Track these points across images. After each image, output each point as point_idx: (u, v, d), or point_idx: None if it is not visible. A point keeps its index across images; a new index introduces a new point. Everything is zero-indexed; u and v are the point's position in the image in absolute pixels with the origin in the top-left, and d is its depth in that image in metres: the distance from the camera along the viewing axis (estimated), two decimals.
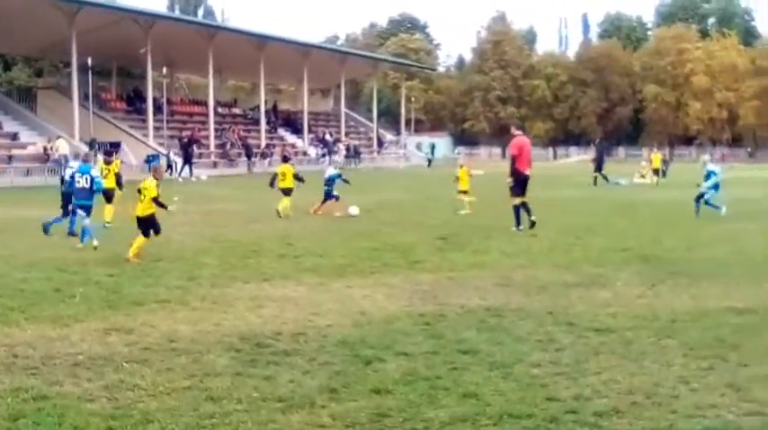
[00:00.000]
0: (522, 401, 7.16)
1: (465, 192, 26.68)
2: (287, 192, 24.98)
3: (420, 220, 23.49)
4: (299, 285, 13.05)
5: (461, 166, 28.21)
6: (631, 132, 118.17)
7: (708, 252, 16.80)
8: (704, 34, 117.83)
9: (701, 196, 24.98)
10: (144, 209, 16.38)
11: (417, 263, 15.37)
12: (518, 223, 20.26)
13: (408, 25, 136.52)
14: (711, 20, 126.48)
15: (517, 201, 20.44)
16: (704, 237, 19.25)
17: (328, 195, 26.50)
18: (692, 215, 24.33)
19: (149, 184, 16.39)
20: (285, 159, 27.87)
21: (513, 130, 21.54)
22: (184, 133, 63.98)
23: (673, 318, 10.35)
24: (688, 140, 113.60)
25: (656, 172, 47.87)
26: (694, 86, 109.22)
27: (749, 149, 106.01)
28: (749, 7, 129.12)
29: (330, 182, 26.69)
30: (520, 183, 20.48)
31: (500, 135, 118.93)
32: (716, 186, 25.10)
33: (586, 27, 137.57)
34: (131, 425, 6.69)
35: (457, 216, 24.35)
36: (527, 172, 20.56)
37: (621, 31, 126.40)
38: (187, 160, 55.53)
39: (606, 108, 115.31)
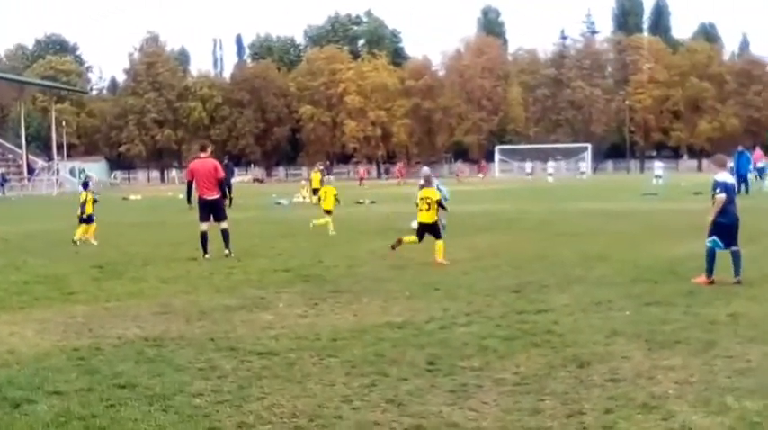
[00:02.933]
0: None
1: None
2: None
3: (75, 249, 22.51)
4: None
5: None
6: (290, 152, 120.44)
7: (367, 268, 17.10)
8: (355, 55, 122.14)
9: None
10: (431, 216, 18.02)
11: (71, 294, 14.57)
12: (204, 251, 19.36)
13: (57, 47, 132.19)
14: (362, 41, 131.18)
15: (203, 227, 19.64)
16: (363, 254, 19.61)
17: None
18: (350, 232, 24.88)
19: (433, 191, 18.42)
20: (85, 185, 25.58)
21: (195, 153, 20.72)
22: None
23: (335, 337, 10.36)
24: (345, 158, 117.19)
25: (315, 191, 48.60)
26: (348, 106, 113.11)
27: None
28: (397, 29, 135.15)
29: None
30: (203, 209, 19.58)
31: (158, 158, 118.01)
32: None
33: (241, 48, 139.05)
34: None
35: (114, 244, 23.44)
36: (207, 197, 19.50)
37: (274, 53, 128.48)
38: None
39: (264, 128, 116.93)
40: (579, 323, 10.92)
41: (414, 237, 18.51)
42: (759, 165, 51.76)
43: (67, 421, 7.28)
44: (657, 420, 6.97)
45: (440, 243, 17.79)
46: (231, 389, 8.17)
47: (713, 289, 13.32)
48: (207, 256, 19.22)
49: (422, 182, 19.62)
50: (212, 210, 19.65)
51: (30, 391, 8.23)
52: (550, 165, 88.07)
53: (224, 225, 19.65)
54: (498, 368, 8.73)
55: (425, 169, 22.16)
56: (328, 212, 25.64)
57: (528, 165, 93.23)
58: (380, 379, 8.40)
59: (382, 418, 7.17)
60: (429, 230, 18.14)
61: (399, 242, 18.58)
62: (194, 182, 19.70)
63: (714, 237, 14.02)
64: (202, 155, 20.44)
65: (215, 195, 19.64)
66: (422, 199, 18.26)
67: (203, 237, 19.59)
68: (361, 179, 78.43)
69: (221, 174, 20.00)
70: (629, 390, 7.82)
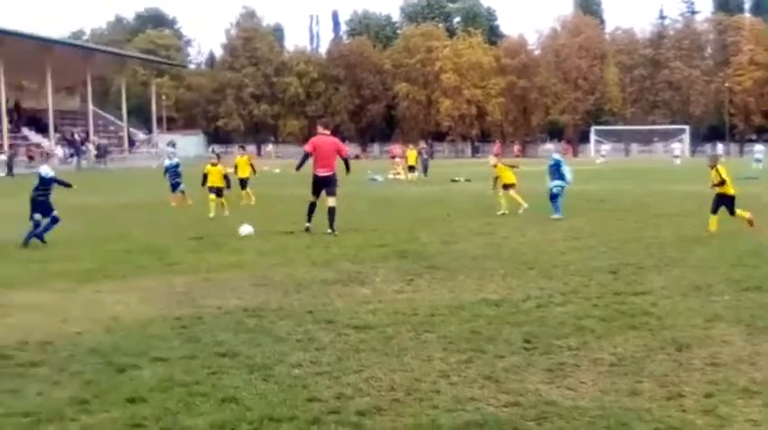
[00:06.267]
0: (284, 404, 6.95)
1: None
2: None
3: (174, 221, 22.95)
4: (46, 291, 12.37)
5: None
6: (385, 129, 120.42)
7: (463, 246, 17.11)
8: (451, 33, 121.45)
9: (554, 195, 22.87)
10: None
11: (172, 264, 14.91)
12: (308, 219, 19.67)
13: (157, 21, 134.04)
14: (457, 19, 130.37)
15: (313, 198, 19.87)
16: (459, 232, 19.63)
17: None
18: (445, 210, 24.94)
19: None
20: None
21: (319, 128, 20.62)
22: None
23: (431, 313, 10.41)
24: (440, 136, 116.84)
25: (410, 168, 48.84)
26: (444, 84, 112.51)
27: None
28: (492, 7, 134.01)
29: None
30: (316, 184, 19.79)
31: (255, 133, 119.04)
32: (562, 177, 23.12)
33: (337, 25, 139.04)
34: None
35: (225, 217, 23.85)
36: (321, 173, 19.63)
37: (370, 29, 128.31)
38: None
39: (359, 105, 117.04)
40: (678, 306, 10.79)
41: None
42: None
43: (171, 386, 7.45)
44: (759, 406, 6.87)
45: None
46: (329, 361, 8.26)
47: None
48: (308, 225, 19.58)
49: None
50: (325, 185, 19.76)
51: (134, 357, 8.44)
52: (676, 146, 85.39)
53: (331, 202, 19.65)
54: (595, 348, 8.68)
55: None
56: None
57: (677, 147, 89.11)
58: (477, 355, 8.42)
59: (479, 394, 7.19)
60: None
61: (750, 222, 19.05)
62: (313, 156, 19.79)
63: None
64: (326, 131, 20.46)
65: (329, 172, 19.75)
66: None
67: (312, 206, 19.85)
68: (393, 157, 75.14)
69: (344, 151, 20.29)
70: (730, 375, 7.71)
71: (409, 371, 7.93)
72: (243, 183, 29.27)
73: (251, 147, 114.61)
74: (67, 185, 18.87)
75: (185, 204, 28.58)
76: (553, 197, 22.76)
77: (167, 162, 31.63)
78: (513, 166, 25.55)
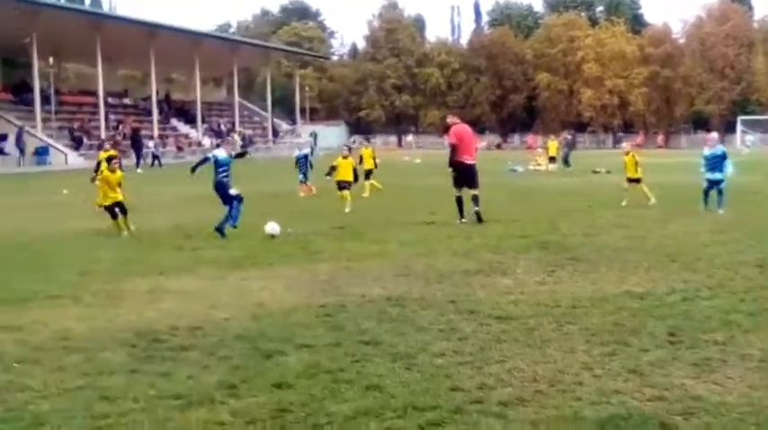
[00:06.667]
0: (427, 392, 7.03)
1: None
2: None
3: (317, 210, 23.28)
4: (196, 278, 12.77)
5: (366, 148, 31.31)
6: (525, 119, 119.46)
7: (604, 238, 16.92)
8: (593, 22, 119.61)
9: (713, 185, 21.83)
10: None
11: (316, 253, 15.18)
12: (461, 215, 19.74)
13: (301, 13, 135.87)
14: (600, 8, 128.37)
15: (456, 192, 19.99)
16: (600, 223, 19.43)
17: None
18: (586, 201, 24.68)
19: None
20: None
21: (452, 119, 20.72)
22: (121, 128, 65.12)
23: (573, 304, 10.36)
24: (581, 127, 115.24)
25: (551, 159, 48.47)
26: (586, 74, 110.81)
27: None
28: None
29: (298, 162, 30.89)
30: (461, 174, 19.86)
31: (396, 123, 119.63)
32: (723, 169, 21.76)
33: (478, 15, 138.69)
34: (22, 428, 6.41)
35: (365, 208, 24.04)
36: (468, 161, 19.84)
37: (512, 19, 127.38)
38: (139, 152, 56.96)
39: (500, 95, 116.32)
40: None
41: None
42: None
43: (316, 373, 7.62)
44: None
45: None
46: (472, 351, 8.31)
47: None
48: (464, 220, 19.56)
49: None
50: (470, 175, 19.88)
51: (279, 343, 8.66)
52: None
53: (475, 191, 19.82)
54: (743, 343, 8.50)
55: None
56: None
57: None
58: (621, 348, 8.35)
59: (624, 387, 7.14)
60: None
61: None
62: (458, 146, 19.87)
63: None
64: (458, 121, 20.63)
65: (473, 160, 20.00)
66: None
67: (459, 201, 19.94)
68: (529, 147, 75.17)
69: (476, 141, 20.78)
70: None
71: (552, 362, 7.93)
72: (367, 174, 29.43)
73: (392, 138, 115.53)
74: (244, 154, 19.33)
75: (309, 193, 29.06)
76: (718, 191, 21.70)
77: (297, 152, 32.89)
78: (637, 165, 24.81)
